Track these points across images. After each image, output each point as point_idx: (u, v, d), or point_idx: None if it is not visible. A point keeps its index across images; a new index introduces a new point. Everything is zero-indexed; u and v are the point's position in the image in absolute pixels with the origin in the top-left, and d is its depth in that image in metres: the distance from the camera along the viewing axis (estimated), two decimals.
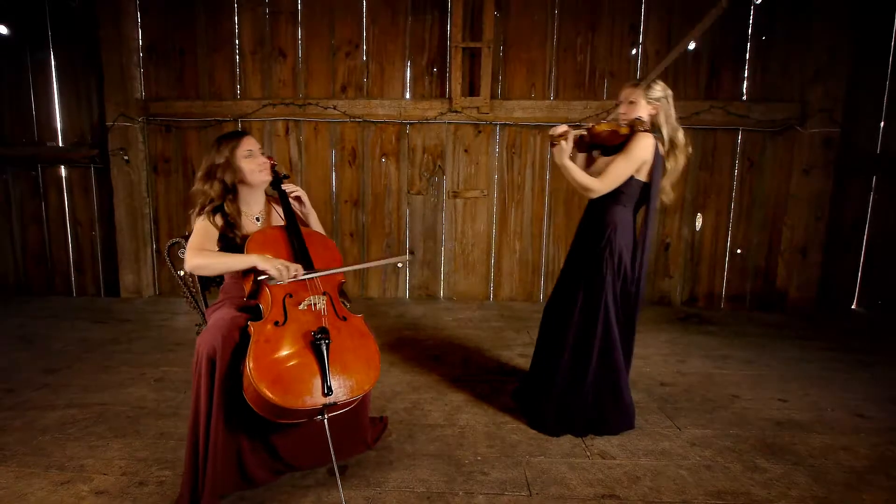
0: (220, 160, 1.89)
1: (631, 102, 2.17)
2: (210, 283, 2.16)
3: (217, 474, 1.66)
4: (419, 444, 2.14)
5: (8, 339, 3.41)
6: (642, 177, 2.17)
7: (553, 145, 2.12)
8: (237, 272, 1.88)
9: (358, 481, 1.87)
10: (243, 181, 1.93)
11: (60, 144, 4.50)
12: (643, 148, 2.11)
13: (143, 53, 4.43)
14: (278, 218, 2.05)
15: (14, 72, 4.43)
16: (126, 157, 4.36)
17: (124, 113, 4.32)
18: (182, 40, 4.40)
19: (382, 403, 2.50)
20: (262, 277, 1.77)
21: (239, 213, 1.93)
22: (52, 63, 4.42)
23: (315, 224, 2.14)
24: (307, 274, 1.82)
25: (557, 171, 2.35)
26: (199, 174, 1.92)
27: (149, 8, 4.37)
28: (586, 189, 2.17)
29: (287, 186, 2.03)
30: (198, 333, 2.05)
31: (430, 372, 2.93)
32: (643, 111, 2.15)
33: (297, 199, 2.07)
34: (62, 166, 4.52)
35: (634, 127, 2.13)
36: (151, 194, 4.58)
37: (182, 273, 2.06)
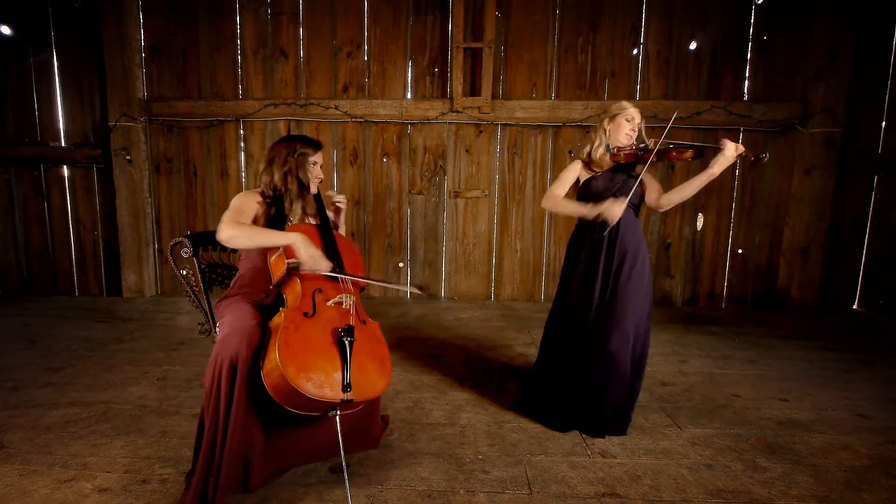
0: (294, 159, 1.96)
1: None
2: (213, 283, 2.17)
3: (230, 478, 1.66)
4: (420, 442, 2.15)
5: (12, 338, 3.42)
6: None
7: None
8: (264, 259, 1.91)
9: (360, 479, 1.88)
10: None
11: (63, 144, 4.52)
12: None
13: (146, 53, 4.45)
14: (309, 219, 2.11)
15: (17, 72, 4.45)
16: (128, 157, 4.38)
17: (126, 113, 4.34)
18: (184, 40, 4.42)
19: (384, 402, 2.50)
20: (290, 260, 1.81)
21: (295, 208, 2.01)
22: (55, 63, 4.44)
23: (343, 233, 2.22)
24: (334, 272, 1.87)
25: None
26: (277, 172, 1.96)
27: (151, 8, 4.39)
28: None
29: (336, 196, 2.15)
30: (200, 333, 2.07)
31: (432, 371, 2.94)
32: None
33: (338, 209, 2.18)
34: (65, 166, 4.53)
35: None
36: (154, 194, 4.60)
37: (184, 272, 2.07)
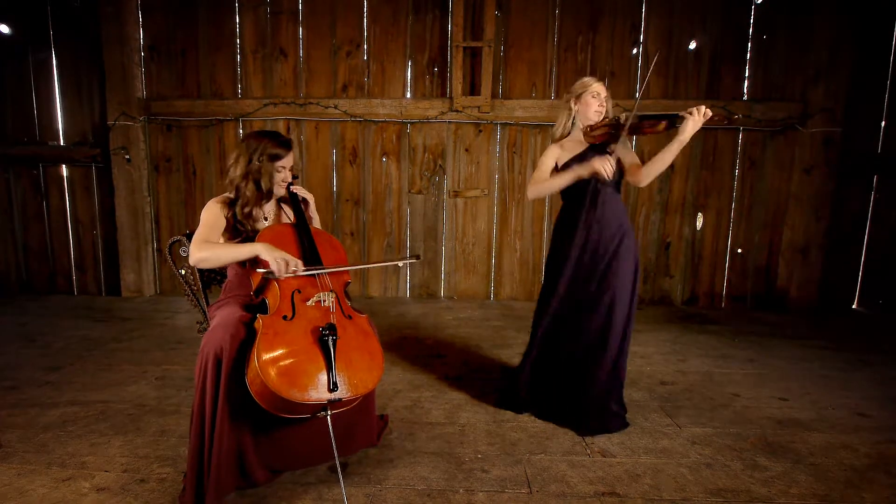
0: (258, 164, 1.90)
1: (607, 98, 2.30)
2: (211, 282, 2.16)
3: (221, 474, 1.66)
4: (420, 441, 2.15)
5: (10, 337, 3.42)
6: None
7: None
8: (242, 268, 1.90)
9: (359, 478, 1.87)
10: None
11: (62, 143, 4.51)
12: None
13: (145, 52, 4.44)
14: (285, 218, 2.08)
15: (16, 71, 4.44)
16: (127, 157, 4.37)
17: (126, 112, 4.33)
18: (183, 39, 4.41)
19: (383, 402, 2.50)
20: (262, 270, 1.78)
21: (253, 213, 1.96)
22: (54, 62, 4.43)
23: (317, 227, 2.16)
24: (307, 270, 1.83)
25: None
26: (238, 171, 1.91)
27: (150, 7, 4.38)
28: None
29: (297, 189, 2.07)
30: (199, 332, 2.06)
31: (431, 371, 2.93)
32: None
33: (304, 201, 2.11)
34: (63, 165, 4.53)
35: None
36: (152, 193, 4.59)
37: (183, 271, 2.07)
